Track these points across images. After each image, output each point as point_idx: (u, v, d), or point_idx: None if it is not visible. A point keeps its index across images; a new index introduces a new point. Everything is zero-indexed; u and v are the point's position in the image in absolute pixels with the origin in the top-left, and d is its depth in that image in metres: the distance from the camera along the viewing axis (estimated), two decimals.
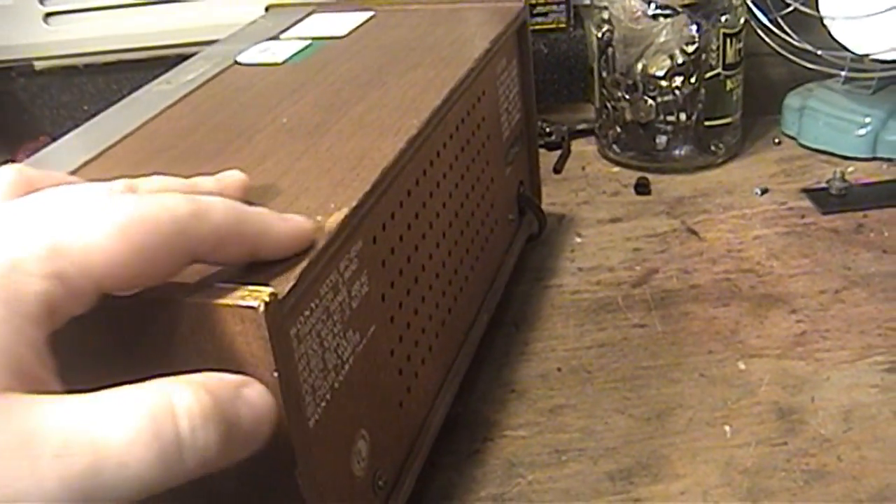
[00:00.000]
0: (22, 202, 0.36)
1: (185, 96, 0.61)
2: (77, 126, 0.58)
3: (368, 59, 0.63)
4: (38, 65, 0.95)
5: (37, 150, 0.86)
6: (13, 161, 0.85)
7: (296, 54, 0.66)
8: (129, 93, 0.62)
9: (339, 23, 0.71)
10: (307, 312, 0.40)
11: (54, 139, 0.58)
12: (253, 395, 0.35)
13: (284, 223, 0.40)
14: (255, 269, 0.39)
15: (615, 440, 0.58)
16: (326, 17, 0.74)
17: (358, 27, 0.70)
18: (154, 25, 0.96)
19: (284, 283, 0.38)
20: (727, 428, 0.58)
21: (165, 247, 0.35)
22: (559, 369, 0.64)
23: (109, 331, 0.38)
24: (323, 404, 0.42)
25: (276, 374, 0.37)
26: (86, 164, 0.52)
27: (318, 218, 0.42)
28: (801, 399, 0.59)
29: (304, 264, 0.39)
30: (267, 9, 0.79)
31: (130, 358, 0.39)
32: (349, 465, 0.45)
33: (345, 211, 0.43)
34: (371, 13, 0.73)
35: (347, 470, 0.44)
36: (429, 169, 0.54)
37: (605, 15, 0.86)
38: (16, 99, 0.93)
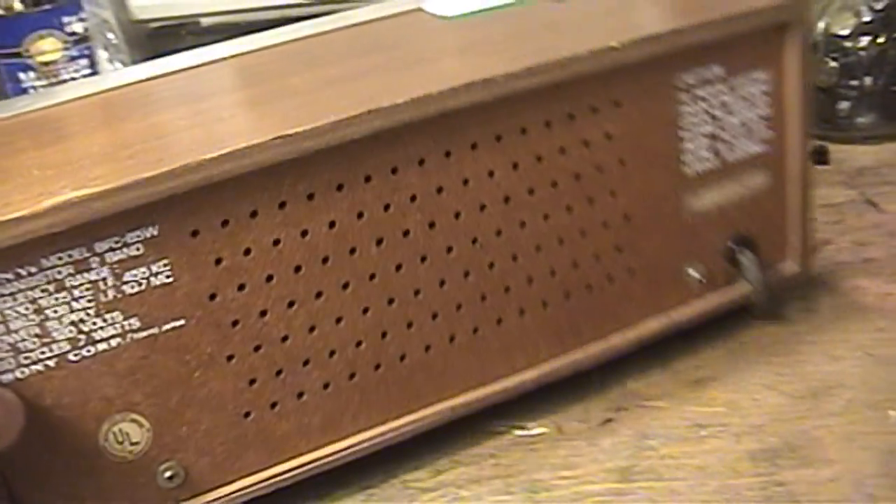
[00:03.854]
0: None
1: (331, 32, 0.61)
2: None
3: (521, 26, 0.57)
4: (204, 22, 0.96)
5: None
6: None
7: (480, 11, 0.60)
8: None
9: None
10: (9, 275, 0.42)
11: None
12: None
13: None
14: None
15: (762, 417, 0.53)
16: None
17: None
18: None
19: None
20: (892, 413, 0.51)
21: None
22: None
23: None
24: (36, 367, 0.44)
25: None
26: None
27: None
28: None
29: None
30: None
31: None
32: (94, 438, 0.46)
33: (65, 197, 0.42)
34: None
35: (92, 443, 0.46)
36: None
37: None
38: None
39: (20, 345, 0.44)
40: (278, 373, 0.48)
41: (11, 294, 0.43)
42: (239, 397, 0.48)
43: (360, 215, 0.47)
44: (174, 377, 0.46)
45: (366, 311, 0.49)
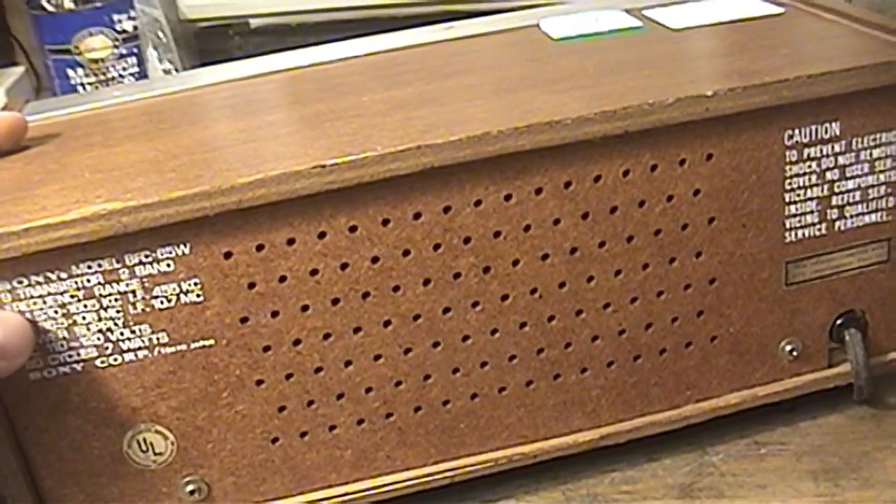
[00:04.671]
0: None
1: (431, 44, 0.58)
2: None
3: (620, 55, 0.52)
4: (253, 23, 0.95)
5: None
6: None
7: (589, 35, 0.56)
8: None
9: (726, 11, 0.57)
10: (39, 278, 0.42)
11: None
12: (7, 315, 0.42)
13: None
14: None
15: (823, 437, 0.52)
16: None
17: (713, 24, 0.56)
18: None
19: None
20: None
21: None
22: None
23: None
24: (62, 370, 0.44)
25: None
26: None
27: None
28: None
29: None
30: None
31: None
32: (118, 444, 0.46)
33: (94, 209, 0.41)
34: (780, 9, 0.57)
35: (116, 449, 0.46)
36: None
37: None
38: (231, 57, 0.96)
39: (48, 346, 0.44)
40: (310, 403, 0.47)
41: (41, 296, 0.43)
42: (267, 422, 0.47)
43: (406, 252, 0.45)
44: (201, 395, 0.46)
45: (408, 351, 0.47)
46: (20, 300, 0.43)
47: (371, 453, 0.48)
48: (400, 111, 0.47)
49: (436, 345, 0.47)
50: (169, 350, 0.45)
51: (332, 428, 0.47)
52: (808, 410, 0.53)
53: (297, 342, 0.45)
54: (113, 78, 0.86)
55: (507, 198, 0.45)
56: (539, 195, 0.45)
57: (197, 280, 0.44)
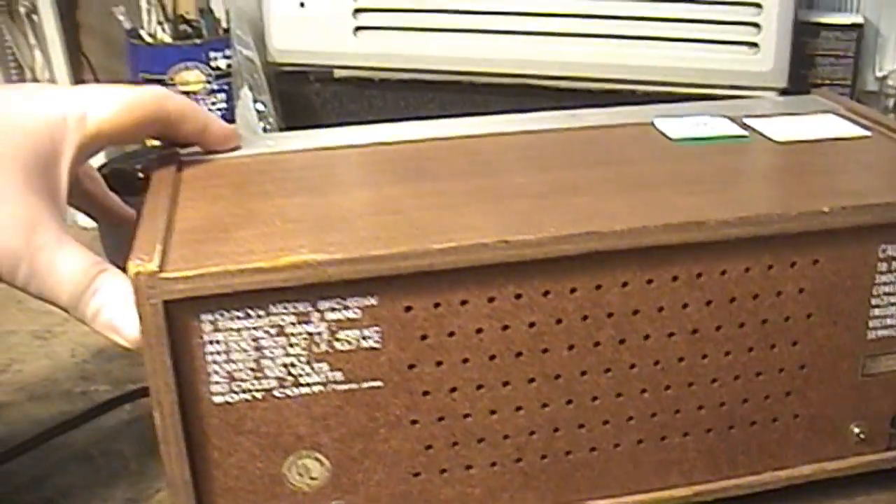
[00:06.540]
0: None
1: (558, 131, 0.65)
2: None
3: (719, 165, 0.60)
4: (338, 73, 1.00)
5: None
6: None
7: (704, 139, 0.63)
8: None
9: (820, 128, 0.65)
10: (239, 314, 0.48)
11: None
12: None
13: (221, 123, 0.61)
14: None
15: None
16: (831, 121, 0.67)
17: (811, 140, 0.63)
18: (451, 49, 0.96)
19: (178, 270, 0.46)
20: None
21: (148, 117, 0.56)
22: None
23: None
24: (244, 396, 0.50)
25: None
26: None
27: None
28: None
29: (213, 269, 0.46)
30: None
31: None
32: (279, 466, 0.52)
33: (304, 258, 0.47)
34: (867, 133, 0.65)
35: (276, 471, 0.52)
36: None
37: None
38: (308, 101, 1.00)
39: (236, 374, 0.49)
40: (454, 444, 0.53)
41: (238, 330, 0.48)
42: (414, 458, 0.53)
43: (559, 321, 0.51)
44: (361, 429, 0.51)
45: (545, 405, 0.53)
46: (219, 331, 0.48)
47: (497, 493, 0.54)
48: (557, 196, 0.54)
49: (569, 402, 0.53)
50: (341, 388, 0.50)
51: (468, 467, 0.53)
52: (865, 487, 0.59)
53: (453, 389, 0.52)
54: None
55: (649, 282, 0.52)
56: (675, 282, 0.52)
57: (378, 328, 0.50)
